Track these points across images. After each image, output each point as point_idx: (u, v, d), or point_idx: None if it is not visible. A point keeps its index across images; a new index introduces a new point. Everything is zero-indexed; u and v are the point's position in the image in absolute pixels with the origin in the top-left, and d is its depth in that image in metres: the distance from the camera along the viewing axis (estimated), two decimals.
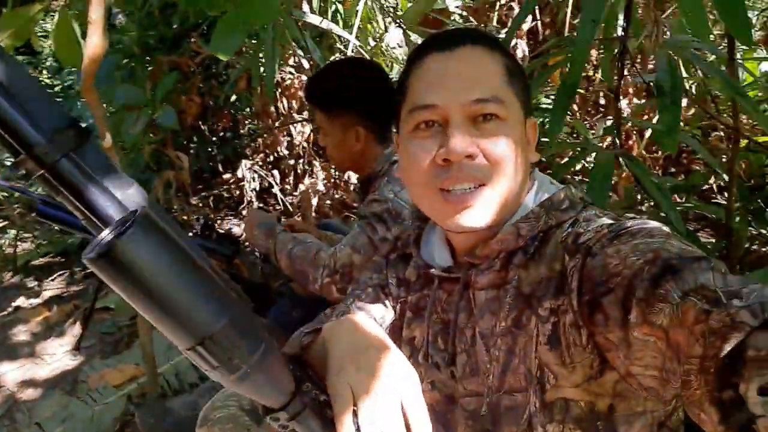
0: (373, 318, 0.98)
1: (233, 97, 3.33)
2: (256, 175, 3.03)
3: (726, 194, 1.79)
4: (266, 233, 1.57)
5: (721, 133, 2.09)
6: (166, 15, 3.24)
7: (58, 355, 2.41)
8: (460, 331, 0.83)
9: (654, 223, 0.66)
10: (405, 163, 0.81)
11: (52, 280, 3.15)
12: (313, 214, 2.64)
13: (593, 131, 2.31)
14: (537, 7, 3.09)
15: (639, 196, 1.54)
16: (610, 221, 0.71)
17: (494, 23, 3.27)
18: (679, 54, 1.19)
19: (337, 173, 2.69)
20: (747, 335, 0.46)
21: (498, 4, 3.14)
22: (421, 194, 0.80)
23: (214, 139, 3.71)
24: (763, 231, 1.58)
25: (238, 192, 3.33)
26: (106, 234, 0.51)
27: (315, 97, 1.62)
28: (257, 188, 3.19)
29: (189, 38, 3.31)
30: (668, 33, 1.57)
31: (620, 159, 1.25)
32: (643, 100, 2.35)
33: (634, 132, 2.23)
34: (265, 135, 3.14)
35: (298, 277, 1.47)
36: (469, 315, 0.82)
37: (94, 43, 1.39)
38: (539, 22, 3.27)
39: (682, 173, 2.54)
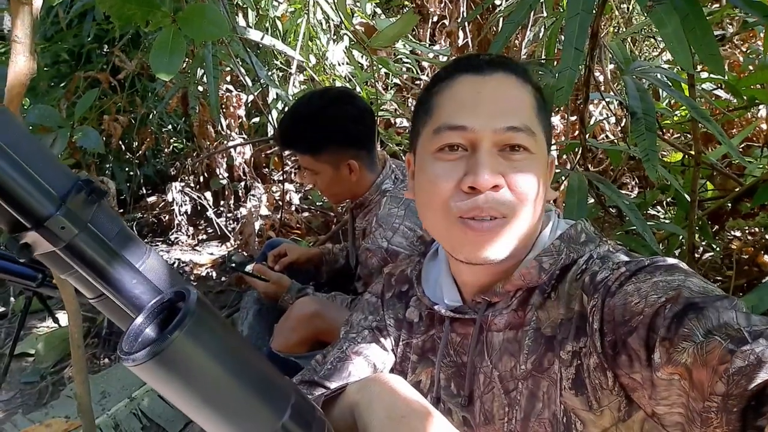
0: (374, 364, 0.92)
1: (155, 114, 3.11)
2: (187, 198, 2.83)
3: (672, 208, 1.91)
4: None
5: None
6: (75, 28, 2.97)
7: None
8: (475, 374, 0.79)
9: (671, 260, 0.66)
10: (424, 185, 0.76)
11: None
12: (256, 239, 2.51)
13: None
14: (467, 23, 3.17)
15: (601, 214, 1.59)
16: (627, 258, 0.71)
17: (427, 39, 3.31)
18: (643, 78, 1.24)
19: (279, 196, 2.58)
20: None
21: (430, 20, 3.19)
22: (438, 221, 0.75)
23: (129, 157, 3.42)
24: (709, 242, 1.69)
25: (167, 216, 3.09)
26: (141, 323, 0.42)
27: (296, 143, 1.54)
28: (188, 211, 2.99)
29: (102, 52, 3.05)
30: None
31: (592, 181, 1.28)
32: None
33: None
34: (195, 155, 2.94)
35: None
36: (485, 357, 0.78)
37: (19, 65, 1.20)
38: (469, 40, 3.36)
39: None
